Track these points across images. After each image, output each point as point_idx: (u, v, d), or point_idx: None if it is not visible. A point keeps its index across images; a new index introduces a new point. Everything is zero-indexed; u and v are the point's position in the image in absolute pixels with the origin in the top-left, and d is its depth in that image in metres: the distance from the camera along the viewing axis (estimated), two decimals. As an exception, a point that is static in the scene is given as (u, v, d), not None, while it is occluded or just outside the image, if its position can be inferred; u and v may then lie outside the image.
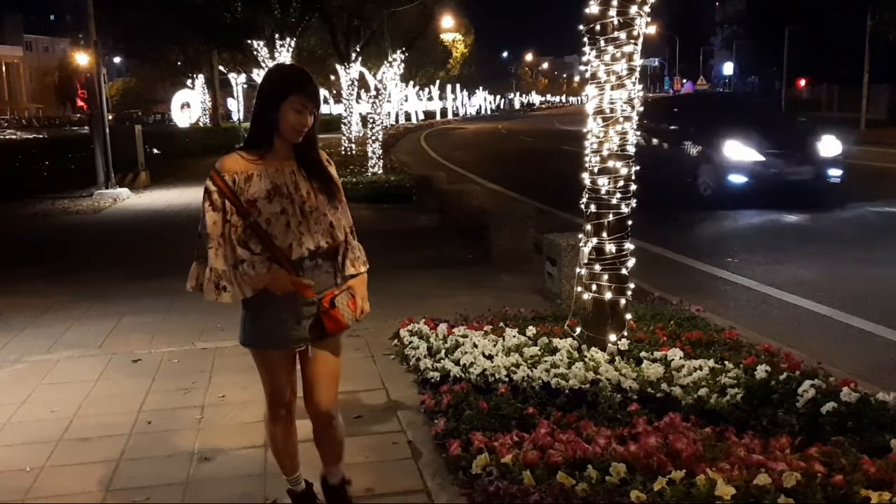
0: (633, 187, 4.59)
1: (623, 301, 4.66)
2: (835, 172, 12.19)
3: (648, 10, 4.44)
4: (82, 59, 18.43)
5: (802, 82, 47.15)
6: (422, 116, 69.89)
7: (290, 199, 2.66)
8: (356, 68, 20.82)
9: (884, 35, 30.68)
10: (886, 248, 8.67)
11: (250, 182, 2.63)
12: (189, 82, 39.46)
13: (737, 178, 11.92)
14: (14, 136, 33.92)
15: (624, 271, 4.63)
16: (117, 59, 56.70)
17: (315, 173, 2.74)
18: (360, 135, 26.53)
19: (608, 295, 4.61)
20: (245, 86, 41.61)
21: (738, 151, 12.01)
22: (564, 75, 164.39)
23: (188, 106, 37.89)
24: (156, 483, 3.42)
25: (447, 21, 32.83)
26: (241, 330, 2.80)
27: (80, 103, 17.48)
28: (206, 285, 2.66)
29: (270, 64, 19.02)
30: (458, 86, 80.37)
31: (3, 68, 78.56)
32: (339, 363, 2.91)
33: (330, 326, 2.72)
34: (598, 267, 4.63)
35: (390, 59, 18.00)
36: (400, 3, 17.84)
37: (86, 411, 4.31)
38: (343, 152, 23.87)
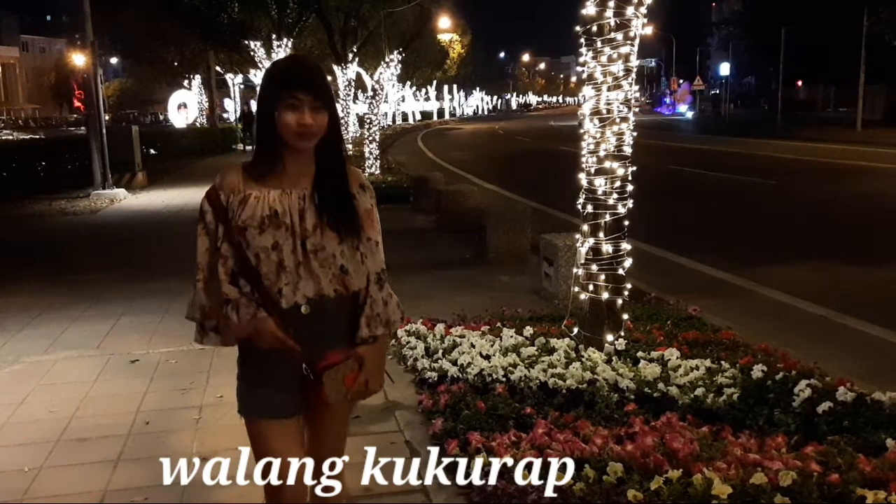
0: (630, 188, 4.61)
1: (620, 301, 4.68)
2: None
3: (645, 10, 4.46)
4: (79, 59, 18.37)
5: (799, 83, 47.24)
6: (419, 117, 69.91)
7: (290, 232, 2.11)
8: (353, 69, 20.79)
9: (880, 36, 30.80)
10: None
11: (245, 205, 2.10)
12: (186, 83, 39.39)
13: None
14: (10, 137, 33.93)
15: (621, 271, 4.64)
16: (114, 60, 56.55)
17: (331, 202, 2.16)
18: (357, 135, 26.51)
19: (605, 295, 4.63)
20: (242, 86, 41.55)
21: None
22: (561, 76, 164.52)
23: (185, 106, 37.87)
24: (154, 483, 3.42)
25: (444, 21, 32.79)
26: (237, 393, 2.32)
27: (76, 104, 17.42)
28: (196, 324, 2.28)
29: (267, 64, 19.05)
30: (455, 86, 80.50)
31: (0, 69, 78.42)
32: (338, 436, 2.38)
33: (315, 398, 2.21)
34: (594, 267, 4.65)
35: (387, 59, 18.01)
36: (397, 3, 17.86)
37: (84, 412, 4.32)
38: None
